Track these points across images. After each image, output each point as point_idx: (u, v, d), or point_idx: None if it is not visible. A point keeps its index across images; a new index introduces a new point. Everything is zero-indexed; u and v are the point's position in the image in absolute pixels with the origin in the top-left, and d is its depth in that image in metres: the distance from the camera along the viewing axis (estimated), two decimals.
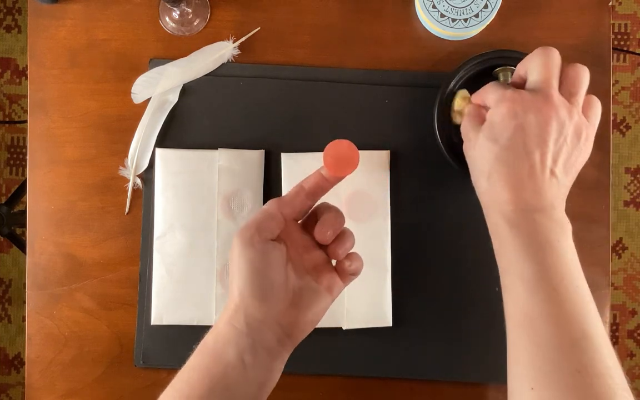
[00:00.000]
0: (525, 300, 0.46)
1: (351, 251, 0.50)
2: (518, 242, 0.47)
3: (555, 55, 0.50)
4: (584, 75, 0.50)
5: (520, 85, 0.52)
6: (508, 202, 0.48)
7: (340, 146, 0.49)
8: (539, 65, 0.50)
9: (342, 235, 0.50)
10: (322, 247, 0.50)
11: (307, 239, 0.51)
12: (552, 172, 0.48)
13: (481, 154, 0.50)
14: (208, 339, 0.47)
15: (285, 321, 0.47)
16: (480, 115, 0.53)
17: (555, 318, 0.45)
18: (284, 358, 0.48)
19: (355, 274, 0.51)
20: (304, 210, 0.50)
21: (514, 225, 0.47)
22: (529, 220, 0.47)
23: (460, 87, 0.62)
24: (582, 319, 0.45)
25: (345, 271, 0.50)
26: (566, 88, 0.50)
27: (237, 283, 0.46)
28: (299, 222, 0.52)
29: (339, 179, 0.50)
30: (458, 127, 0.57)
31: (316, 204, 0.51)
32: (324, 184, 0.50)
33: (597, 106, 0.51)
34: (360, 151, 0.61)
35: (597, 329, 0.45)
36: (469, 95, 0.56)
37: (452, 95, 0.59)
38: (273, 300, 0.46)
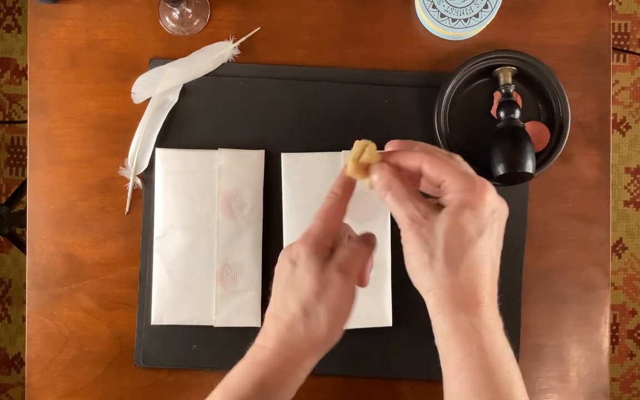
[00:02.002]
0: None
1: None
2: (492, 358, 0.43)
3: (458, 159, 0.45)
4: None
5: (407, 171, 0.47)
6: (478, 305, 0.43)
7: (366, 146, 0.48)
8: (462, 182, 0.44)
9: (368, 262, 0.49)
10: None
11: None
12: (497, 272, 0.45)
13: (451, 241, 0.43)
14: (255, 352, 0.47)
15: (325, 344, 0.47)
16: (411, 184, 0.45)
17: None
18: (311, 368, 0.48)
19: (365, 286, 0.51)
20: (340, 219, 0.49)
21: (488, 335, 0.43)
22: (497, 332, 0.44)
23: (461, 87, 0.62)
24: None
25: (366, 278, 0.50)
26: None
27: (299, 297, 0.45)
28: None
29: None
30: (458, 125, 0.56)
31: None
32: (351, 183, 0.49)
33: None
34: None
35: None
36: (375, 149, 0.47)
37: (459, 89, 0.58)
38: (326, 330, 0.46)
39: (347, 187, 0.48)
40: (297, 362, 0.46)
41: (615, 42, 1.51)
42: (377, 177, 0.46)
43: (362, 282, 0.49)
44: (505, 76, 0.60)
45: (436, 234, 0.43)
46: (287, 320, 0.46)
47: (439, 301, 0.44)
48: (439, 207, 0.44)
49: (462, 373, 0.43)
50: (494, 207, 0.43)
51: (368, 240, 0.49)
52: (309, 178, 0.61)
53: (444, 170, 0.44)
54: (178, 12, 0.63)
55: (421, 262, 0.44)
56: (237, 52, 0.63)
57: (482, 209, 0.42)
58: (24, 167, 1.52)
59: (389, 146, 0.48)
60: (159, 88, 0.62)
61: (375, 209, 0.62)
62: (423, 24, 0.64)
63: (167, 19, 0.64)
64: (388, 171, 0.46)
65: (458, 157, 0.45)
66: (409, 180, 0.45)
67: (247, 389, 0.45)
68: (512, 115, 0.59)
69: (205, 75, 0.63)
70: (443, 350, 0.44)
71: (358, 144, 0.47)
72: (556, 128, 0.61)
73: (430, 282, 0.44)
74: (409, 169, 0.46)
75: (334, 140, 0.62)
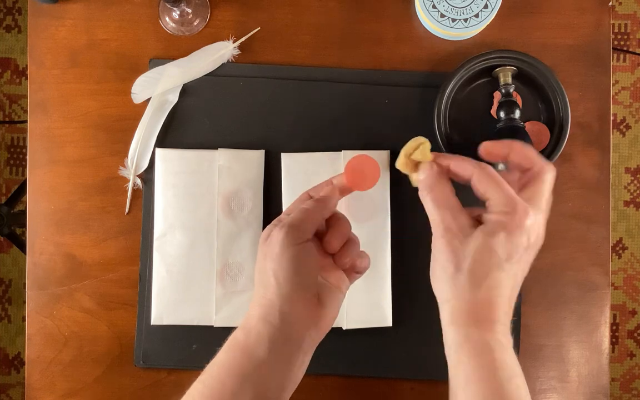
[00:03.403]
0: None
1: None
2: (504, 373, 0.43)
3: (554, 179, 0.47)
4: (550, 179, 0.48)
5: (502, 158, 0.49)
6: (494, 322, 0.44)
7: (362, 162, 0.50)
8: (543, 185, 0.46)
9: (348, 243, 0.51)
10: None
11: (317, 242, 0.51)
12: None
13: (479, 260, 0.43)
14: (238, 335, 0.47)
15: (315, 318, 0.48)
16: (451, 196, 0.46)
17: None
18: (311, 352, 0.49)
19: (361, 272, 0.52)
20: (322, 218, 0.51)
21: (501, 351, 0.43)
22: (509, 349, 0.44)
23: (461, 87, 0.62)
24: None
25: (356, 270, 0.52)
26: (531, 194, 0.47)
27: (276, 280, 0.47)
28: None
29: (351, 191, 0.52)
30: (458, 124, 0.56)
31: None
32: (335, 194, 0.51)
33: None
34: (360, 151, 0.62)
35: None
36: (429, 150, 0.48)
37: (459, 89, 0.58)
38: (308, 298, 0.47)
39: (332, 197, 0.51)
40: (286, 338, 0.46)
41: (615, 42, 1.51)
42: (423, 176, 0.47)
43: (354, 268, 0.51)
44: (505, 76, 0.60)
45: (467, 249, 0.44)
46: (262, 294, 0.47)
47: (454, 313, 0.45)
48: (477, 222, 0.45)
49: (471, 385, 0.43)
50: (530, 235, 0.44)
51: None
52: (309, 178, 0.61)
53: (490, 188, 0.44)
54: (178, 12, 0.63)
55: (446, 272, 0.45)
56: (237, 52, 0.63)
57: (517, 236, 0.43)
58: (24, 167, 1.52)
59: (480, 148, 0.49)
60: (159, 88, 0.62)
61: (376, 209, 0.62)
62: (423, 24, 0.64)
63: (167, 19, 0.64)
64: (435, 173, 0.47)
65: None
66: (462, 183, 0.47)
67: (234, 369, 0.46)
68: (512, 115, 0.59)
69: (205, 75, 0.63)
70: (453, 361, 0.45)
71: (414, 141, 0.48)
72: (556, 128, 0.61)
73: (449, 293, 0.45)
74: (459, 177, 0.46)
75: (334, 140, 0.62)
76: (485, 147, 0.49)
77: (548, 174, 0.46)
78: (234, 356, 0.46)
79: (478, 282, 0.44)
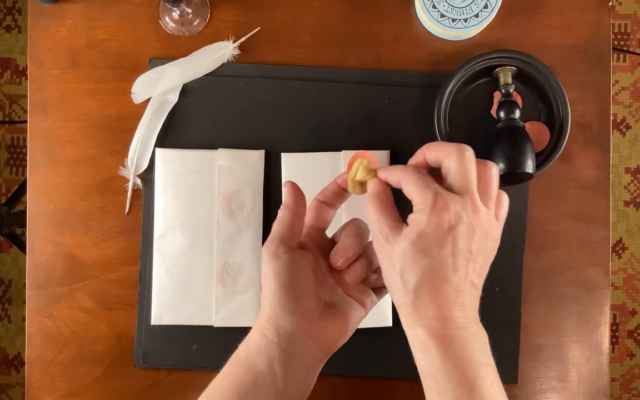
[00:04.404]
0: None
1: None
2: (451, 365, 0.43)
3: (473, 156, 0.46)
4: (496, 175, 0.47)
5: (424, 165, 0.48)
6: (436, 319, 0.44)
7: (365, 158, 0.50)
8: (461, 168, 0.45)
9: (360, 260, 0.49)
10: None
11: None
12: (473, 284, 0.46)
13: (405, 263, 0.44)
14: (240, 348, 0.47)
15: (316, 332, 0.47)
16: (391, 207, 0.47)
17: None
18: (317, 369, 0.48)
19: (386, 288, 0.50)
20: (325, 218, 0.51)
21: (445, 344, 0.44)
22: (460, 340, 0.44)
23: (461, 87, 0.62)
24: None
25: (372, 286, 0.50)
26: (483, 190, 0.46)
27: (267, 295, 0.46)
28: (330, 236, 0.52)
29: None
30: (458, 124, 0.57)
31: (346, 222, 0.50)
32: (341, 193, 0.50)
33: (506, 204, 0.48)
34: (360, 151, 0.62)
35: None
36: (371, 166, 0.48)
37: (459, 89, 0.58)
38: (302, 312, 0.46)
39: (333, 195, 0.50)
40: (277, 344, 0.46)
41: (615, 42, 1.51)
42: (373, 192, 0.48)
43: (370, 284, 0.50)
44: (505, 76, 0.60)
45: (394, 256, 0.44)
46: (262, 308, 0.47)
47: (403, 316, 0.46)
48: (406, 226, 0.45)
49: (426, 380, 0.45)
50: (451, 221, 0.43)
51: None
52: (309, 178, 0.61)
53: (411, 190, 0.45)
54: (178, 12, 0.63)
55: (387, 281, 0.46)
56: (237, 52, 0.63)
57: (436, 228, 0.43)
58: (24, 167, 1.52)
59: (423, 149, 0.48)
60: (159, 88, 0.62)
61: None
62: (423, 24, 0.64)
63: (167, 19, 0.64)
64: (373, 185, 0.47)
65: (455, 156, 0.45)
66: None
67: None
68: (512, 115, 0.59)
69: (205, 75, 0.63)
70: (415, 361, 0.46)
71: (356, 163, 0.48)
72: (556, 128, 0.61)
73: (396, 299, 0.46)
74: (393, 185, 0.47)
75: (334, 140, 0.62)
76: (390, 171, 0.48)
77: (452, 156, 0.45)
78: (236, 369, 0.46)
79: (409, 286, 0.44)
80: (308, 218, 0.50)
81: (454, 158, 0.45)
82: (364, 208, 0.47)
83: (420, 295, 0.44)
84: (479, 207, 0.44)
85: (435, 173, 0.47)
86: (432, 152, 0.47)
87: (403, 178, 0.46)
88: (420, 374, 0.45)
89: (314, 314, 0.46)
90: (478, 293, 0.46)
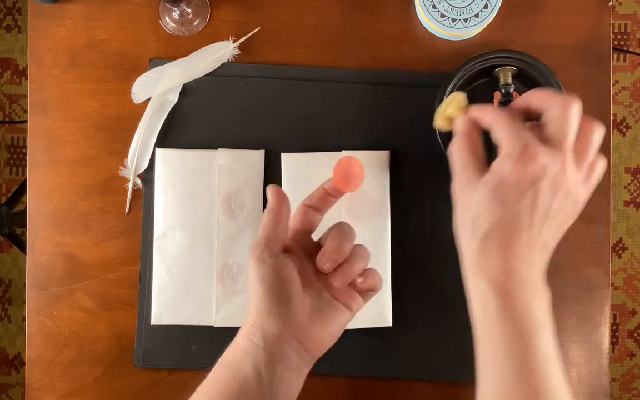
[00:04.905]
0: (513, 388, 0.42)
1: (367, 268, 0.50)
2: (508, 319, 0.43)
3: (579, 112, 0.44)
4: (599, 138, 0.45)
5: (525, 112, 0.47)
6: (501, 272, 0.43)
7: (350, 163, 0.51)
8: (561, 120, 0.43)
9: (346, 262, 0.48)
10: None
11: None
12: (546, 244, 0.44)
13: (480, 209, 0.44)
14: (227, 353, 0.47)
15: (303, 336, 0.46)
16: (479, 148, 0.46)
17: None
18: (303, 373, 0.48)
19: (373, 289, 0.50)
20: (311, 222, 0.51)
21: (505, 299, 0.43)
22: (520, 296, 0.43)
23: (461, 87, 0.62)
24: None
25: (358, 289, 0.50)
26: (580, 149, 0.44)
27: (253, 299, 0.46)
28: (317, 240, 0.52)
29: (342, 194, 0.52)
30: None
31: (334, 224, 0.50)
32: (328, 198, 0.51)
33: (600, 170, 0.46)
34: (360, 151, 0.62)
35: None
36: (465, 103, 0.48)
37: (459, 89, 0.58)
38: (288, 315, 0.46)
39: (320, 200, 0.51)
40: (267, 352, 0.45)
41: (615, 42, 1.51)
42: (460, 129, 0.47)
43: (356, 287, 0.49)
44: (505, 76, 0.60)
45: (471, 200, 0.44)
46: (248, 312, 0.47)
47: (466, 264, 0.46)
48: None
49: (479, 333, 0.45)
50: (535, 174, 0.42)
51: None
52: (309, 178, 0.61)
53: (501, 135, 0.44)
54: (178, 12, 0.63)
55: (457, 224, 0.46)
56: (237, 52, 0.63)
57: (518, 179, 0.42)
58: (24, 167, 1.52)
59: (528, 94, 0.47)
60: (159, 88, 0.62)
61: (376, 209, 0.62)
62: (423, 24, 0.64)
63: (167, 19, 0.64)
64: (462, 122, 0.47)
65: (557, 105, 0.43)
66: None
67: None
68: None
69: (205, 75, 0.63)
70: (471, 312, 0.46)
71: (449, 97, 0.49)
72: None
73: (462, 245, 0.46)
74: (484, 126, 0.46)
75: (334, 140, 0.63)
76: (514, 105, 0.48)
77: (557, 106, 0.43)
78: (222, 373, 0.46)
79: (479, 234, 0.43)
80: (295, 222, 0.51)
81: (558, 109, 0.43)
82: (450, 147, 0.47)
83: (488, 245, 0.43)
84: (568, 165, 0.43)
85: (533, 122, 0.45)
86: (537, 98, 0.46)
87: (495, 121, 0.45)
88: (474, 327, 0.46)
89: (301, 318, 0.46)
90: (548, 254, 0.45)
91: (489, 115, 0.45)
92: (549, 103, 0.44)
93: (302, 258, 0.49)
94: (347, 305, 0.49)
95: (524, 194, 0.42)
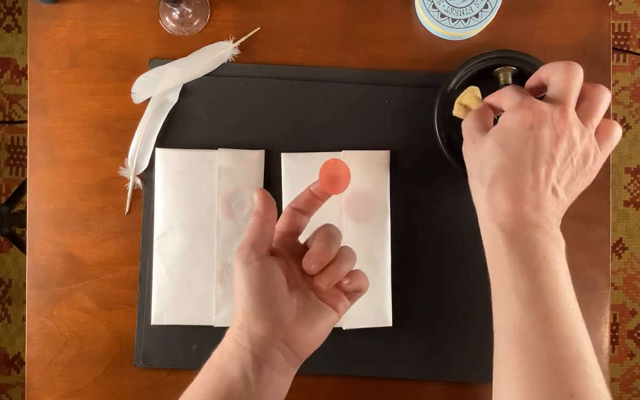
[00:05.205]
0: (521, 317, 0.44)
1: (354, 269, 0.50)
2: (515, 256, 0.46)
3: (580, 73, 0.48)
4: (604, 99, 0.48)
5: (536, 88, 0.52)
6: (508, 214, 0.46)
7: (336, 165, 0.52)
8: (562, 80, 0.47)
9: (332, 264, 0.49)
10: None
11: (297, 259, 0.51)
12: (554, 190, 0.47)
13: (485, 158, 0.48)
14: (214, 356, 0.47)
15: (290, 338, 0.47)
16: (487, 118, 0.51)
17: (551, 339, 0.43)
18: (290, 374, 0.48)
19: (360, 291, 0.51)
20: (298, 225, 0.51)
21: (512, 238, 0.46)
22: (528, 235, 0.46)
23: (461, 87, 0.62)
24: (577, 343, 0.44)
25: (345, 290, 0.50)
26: (584, 109, 0.48)
27: (239, 301, 0.47)
28: (303, 242, 0.52)
29: (329, 196, 0.52)
30: (458, 124, 0.56)
31: (320, 227, 0.50)
32: (314, 200, 0.52)
33: (615, 134, 0.49)
34: (360, 151, 0.62)
35: (590, 353, 0.44)
36: (480, 95, 0.54)
37: (459, 89, 0.59)
38: (275, 317, 0.46)
39: (306, 203, 0.52)
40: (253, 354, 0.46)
41: (615, 42, 1.51)
42: (475, 108, 0.53)
43: (342, 288, 0.50)
44: (505, 76, 0.60)
45: (477, 155, 0.49)
46: (234, 315, 0.48)
47: (480, 213, 0.50)
48: None
49: (492, 269, 0.49)
50: (534, 120, 0.46)
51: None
52: (309, 178, 0.61)
53: (506, 102, 0.49)
54: (178, 12, 0.63)
55: (470, 180, 0.51)
56: (237, 52, 0.63)
57: (518, 124, 0.47)
58: (24, 167, 1.52)
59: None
60: (159, 88, 0.62)
61: (376, 209, 0.62)
62: (423, 24, 0.64)
63: (167, 19, 0.64)
64: (479, 106, 0.53)
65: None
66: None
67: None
68: None
69: (205, 75, 0.63)
70: (486, 255, 0.49)
71: (467, 89, 0.55)
72: None
73: (474, 195, 0.50)
74: (497, 107, 0.52)
75: (334, 140, 0.63)
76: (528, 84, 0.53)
77: (558, 69, 0.48)
78: (209, 376, 0.46)
79: (486, 181, 0.48)
80: (281, 224, 0.51)
81: (559, 71, 0.48)
82: (463, 122, 0.53)
83: (495, 189, 0.47)
84: (569, 117, 0.46)
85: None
86: (544, 71, 0.50)
87: (502, 95, 0.50)
88: (488, 264, 0.49)
89: (287, 319, 0.46)
90: (561, 204, 0.48)
91: (497, 95, 0.51)
92: (552, 70, 0.49)
93: (288, 260, 0.49)
94: (334, 307, 0.49)
95: (524, 139, 0.46)
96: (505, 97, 0.50)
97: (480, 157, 0.49)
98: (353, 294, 0.51)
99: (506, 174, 0.47)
